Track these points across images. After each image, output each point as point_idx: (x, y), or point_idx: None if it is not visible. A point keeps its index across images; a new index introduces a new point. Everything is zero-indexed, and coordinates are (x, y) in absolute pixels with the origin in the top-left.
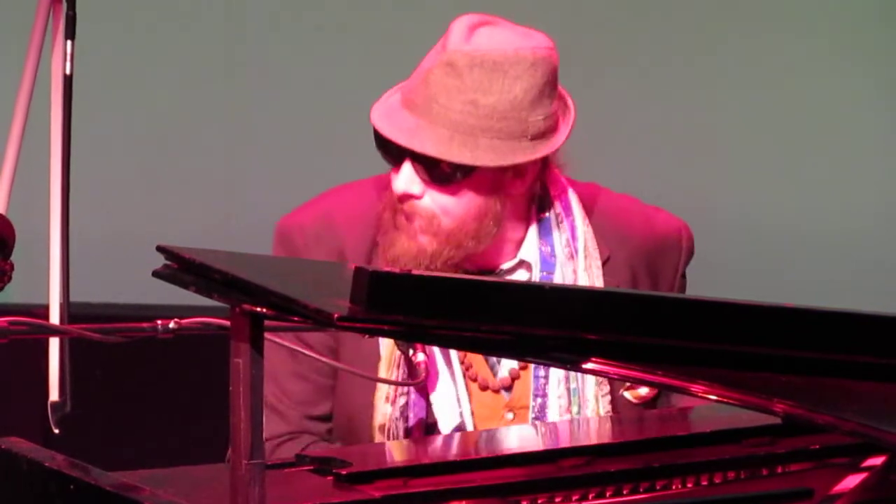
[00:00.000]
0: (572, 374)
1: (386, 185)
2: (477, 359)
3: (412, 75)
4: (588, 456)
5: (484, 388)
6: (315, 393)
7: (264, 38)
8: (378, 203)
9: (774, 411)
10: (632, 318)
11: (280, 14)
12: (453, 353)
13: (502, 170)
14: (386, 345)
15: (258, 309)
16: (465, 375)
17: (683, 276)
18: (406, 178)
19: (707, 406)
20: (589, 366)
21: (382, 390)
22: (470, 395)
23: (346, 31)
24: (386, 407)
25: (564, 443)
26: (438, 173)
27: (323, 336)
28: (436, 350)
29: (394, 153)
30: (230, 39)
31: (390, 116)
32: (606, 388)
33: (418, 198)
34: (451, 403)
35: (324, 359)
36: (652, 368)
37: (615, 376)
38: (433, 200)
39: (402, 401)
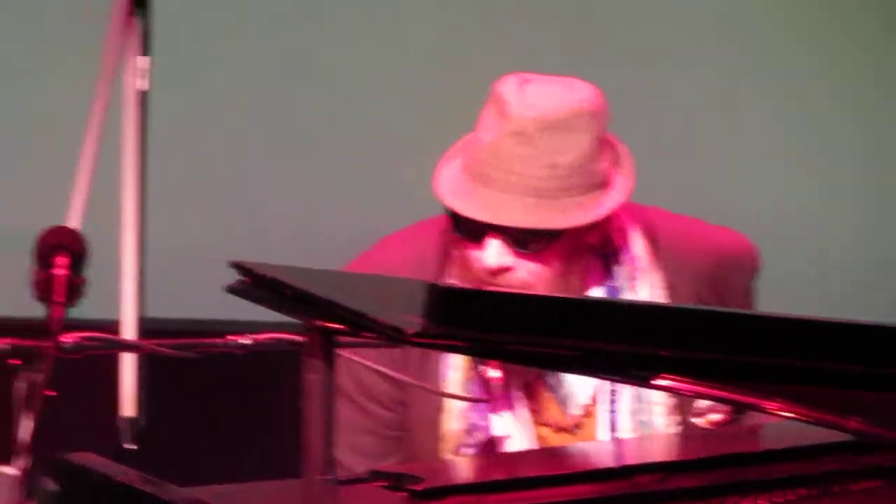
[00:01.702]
0: (642, 406)
1: (441, 235)
2: (546, 401)
3: (468, 144)
4: (662, 472)
5: (557, 429)
6: (384, 447)
7: (339, 49)
8: (436, 252)
9: (849, 429)
10: (704, 335)
11: (361, 19)
12: (518, 398)
13: (587, 227)
14: (457, 365)
15: (331, 325)
16: (533, 421)
17: (751, 292)
18: (496, 253)
19: (776, 423)
20: (660, 382)
21: (452, 409)
22: (536, 436)
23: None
24: (454, 424)
25: (638, 459)
26: (528, 242)
27: (388, 388)
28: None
29: (475, 229)
30: (306, 53)
31: (464, 194)
32: (677, 419)
33: (511, 270)
34: (519, 441)
35: (392, 373)
36: (725, 385)
37: (688, 393)
38: (525, 269)
39: (470, 418)
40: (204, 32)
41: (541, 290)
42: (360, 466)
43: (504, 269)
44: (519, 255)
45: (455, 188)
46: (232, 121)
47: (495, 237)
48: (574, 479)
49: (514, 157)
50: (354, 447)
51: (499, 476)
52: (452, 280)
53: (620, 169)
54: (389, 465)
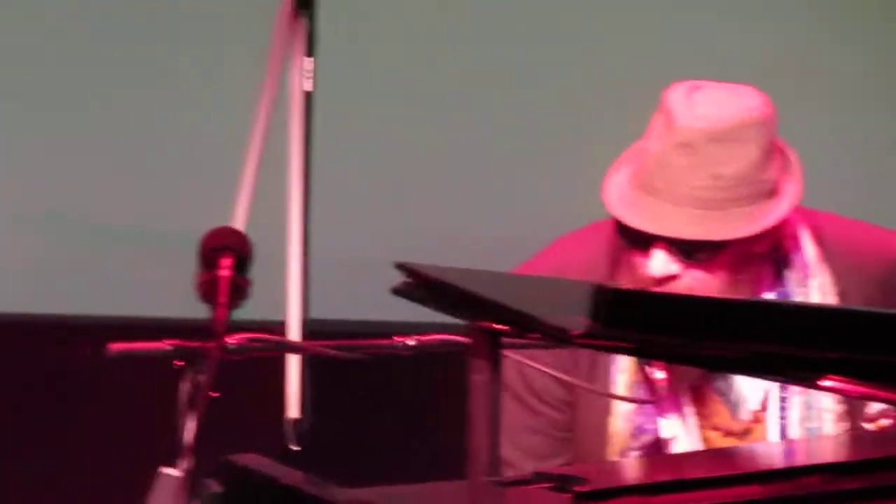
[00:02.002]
0: (811, 413)
1: (609, 240)
2: (716, 406)
3: (637, 153)
4: (828, 474)
5: (727, 433)
6: (551, 447)
7: (500, 51)
8: (604, 256)
9: None
10: (873, 337)
11: (516, 19)
12: (686, 402)
13: (755, 237)
14: (624, 368)
15: (496, 326)
16: (700, 422)
17: None
18: (662, 262)
19: None
20: (826, 383)
21: (620, 411)
22: (704, 442)
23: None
24: (621, 426)
25: (803, 461)
26: (694, 252)
27: (557, 388)
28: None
29: (642, 238)
30: (471, 52)
31: (631, 204)
32: (845, 425)
33: (677, 279)
34: (685, 443)
35: (560, 375)
36: (892, 387)
37: (855, 394)
38: (692, 278)
39: (637, 420)
40: (367, 32)
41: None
42: (525, 465)
43: (670, 278)
44: (685, 264)
45: (622, 197)
46: (395, 122)
47: (661, 247)
48: (740, 481)
49: (679, 168)
50: (521, 446)
51: (664, 477)
52: (621, 282)
53: (789, 176)
54: (554, 465)
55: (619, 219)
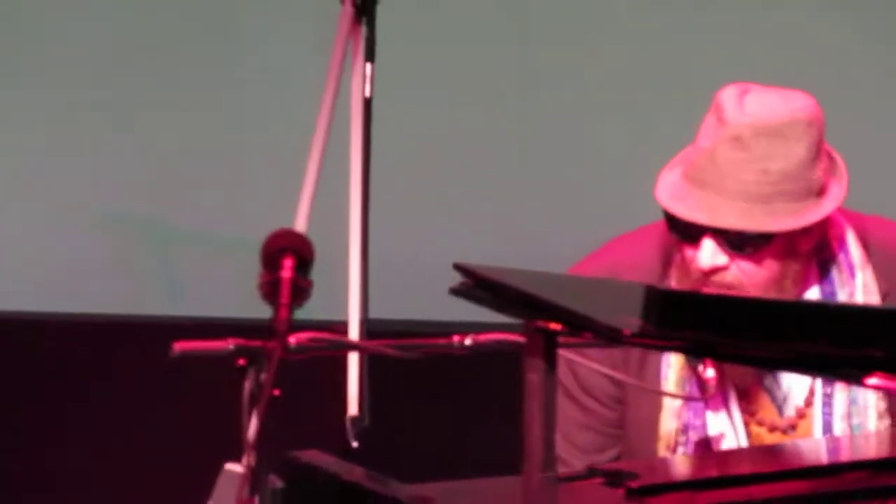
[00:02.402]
0: (855, 409)
1: (661, 239)
2: (761, 401)
3: (689, 152)
4: (870, 470)
5: (772, 429)
6: (602, 442)
7: (556, 51)
8: (656, 254)
9: None
10: None
11: (570, 22)
12: (733, 400)
13: (799, 230)
14: (675, 365)
15: (551, 325)
16: (745, 420)
17: None
18: (710, 253)
19: None
20: (872, 381)
21: (669, 408)
22: (750, 437)
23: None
24: (671, 423)
25: (846, 457)
26: (741, 244)
27: (607, 385)
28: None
29: (692, 231)
30: (524, 60)
31: (681, 197)
32: (887, 422)
33: (725, 269)
34: (732, 439)
35: (612, 372)
36: None
37: None
38: (739, 270)
39: (687, 417)
40: (424, 38)
41: (754, 290)
42: (576, 460)
43: (718, 269)
44: (733, 255)
45: (673, 192)
46: (452, 126)
47: (710, 238)
48: (786, 477)
49: (728, 162)
50: (572, 442)
51: (713, 473)
52: (672, 280)
53: (835, 178)
54: (605, 461)
55: (670, 211)
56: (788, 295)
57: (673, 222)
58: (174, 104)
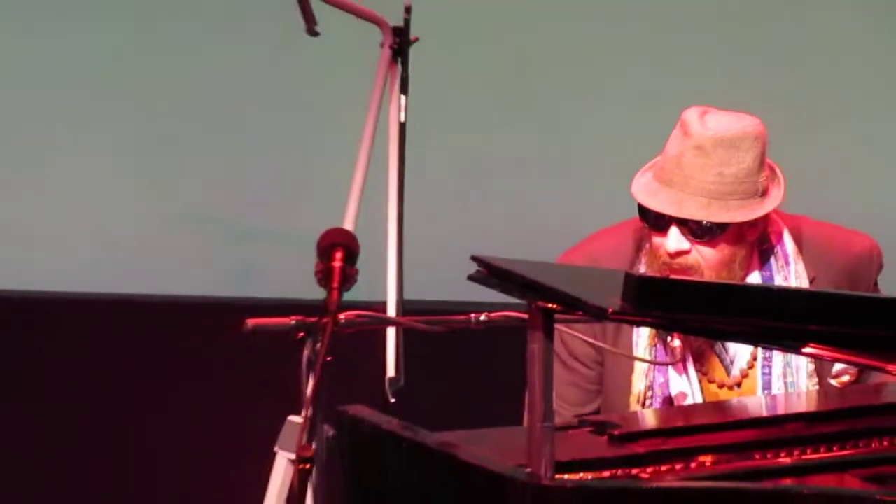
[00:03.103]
0: (789, 370)
1: (636, 231)
2: (713, 364)
3: (658, 159)
4: (806, 421)
5: (721, 386)
6: (585, 397)
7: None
8: (631, 244)
9: None
10: (840, 313)
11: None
12: (689, 362)
13: (747, 223)
14: (644, 335)
15: (550, 305)
16: (700, 378)
17: (876, 284)
18: (676, 240)
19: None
20: (808, 350)
21: (639, 370)
22: (703, 393)
23: None
24: (641, 382)
25: (786, 410)
26: (701, 232)
27: (589, 351)
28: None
29: (661, 221)
30: (528, 86)
31: (653, 194)
32: (815, 381)
33: (687, 253)
34: (692, 396)
35: (594, 341)
36: (856, 353)
37: (828, 359)
38: (699, 253)
39: (653, 377)
40: (446, 75)
41: (709, 270)
42: (564, 411)
43: (682, 252)
44: (693, 242)
45: (647, 190)
46: (468, 143)
47: (676, 227)
48: (736, 426)
49: (692, 166)
50: (562, 396)
51: (678, 423)
52: (642, 264)
53: (775, 184)
54: (588, 413)
55: (644, 205)
56: (736, 276)
57: (645, 215)
58: (254, 122)
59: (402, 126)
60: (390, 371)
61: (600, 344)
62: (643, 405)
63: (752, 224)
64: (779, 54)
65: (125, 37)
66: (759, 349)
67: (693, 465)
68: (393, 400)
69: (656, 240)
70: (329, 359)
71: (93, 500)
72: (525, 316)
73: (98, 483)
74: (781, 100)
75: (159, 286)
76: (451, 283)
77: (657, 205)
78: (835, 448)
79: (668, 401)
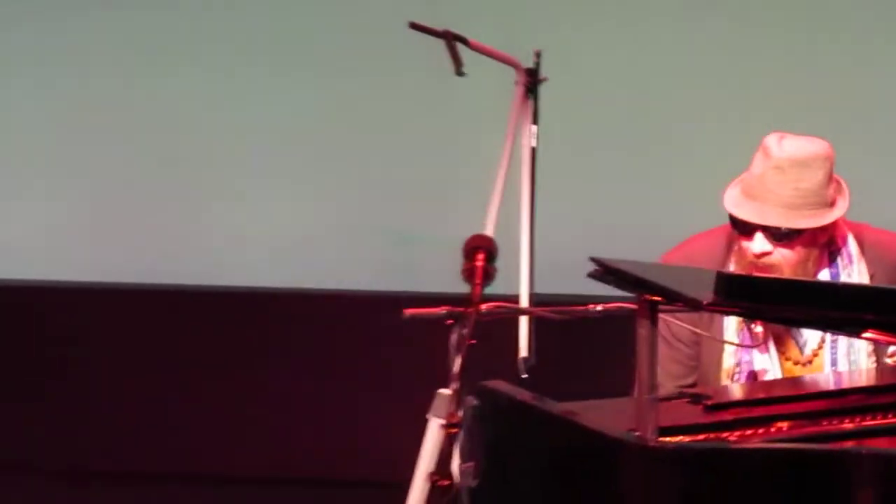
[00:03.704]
0: (852, 350)
1: (727, 235)
2: (789, 345)
3: (745, 176)
4: (865, 393)
5: (795, 363)
6: (684, 372)
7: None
8: (723, 245)
9: None
10: (893, 305)
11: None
12: (770, 343)
13: (818, 228)
14: (732, 321)
15: (654, 298)
16: (778, 357)
17: None
18: (760, 243)
19: None
20: (866, 335)
21: (729, 350)
22: (781, 369)
23: None
24: (730, 360)
25: (849, 384)
26: (780, 237)
27: (688, 334)
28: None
29: (748, 228)
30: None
31: (741, 206)
32: (873, 359)
33: (770, 254)
34: (772, 372)
35: (692, 328)
36: None
37: (883, 342)
38: (779, 254)
39: (740, 356)
40: (569, 108)
41: (787, 268)
42: (668, 383)
43: (765, 253)
44: (774, 244)
45: (736, 202)
46: (585, 163)
47: (760, 232)
48: (808, 398)
49: (773, 182)
50: (666, 370)
51: (760, 395)
52: (731, 262)
53: (841, 196)
54: (687, 385)
55: (734, 215)
56: (808, 273)
57: (735, 222)
58: (414, 149)
59: (533, 150)
60: (523, 352)
61: (696, 330)
62: (732, 379)
63: (822, 230)
64: None
65: (315, 91)
66: (827, 333)
67: (772, 429)
68: (525, 376)
69: (744, 243)
70: (472, 342)
71: (285, 456)
72: (634, 307)
73: (284, 444)
74: None
75: (334, 282)
76: (573, 279)
77: (745, 215)
78: (889, 416)
79: (753, 376)
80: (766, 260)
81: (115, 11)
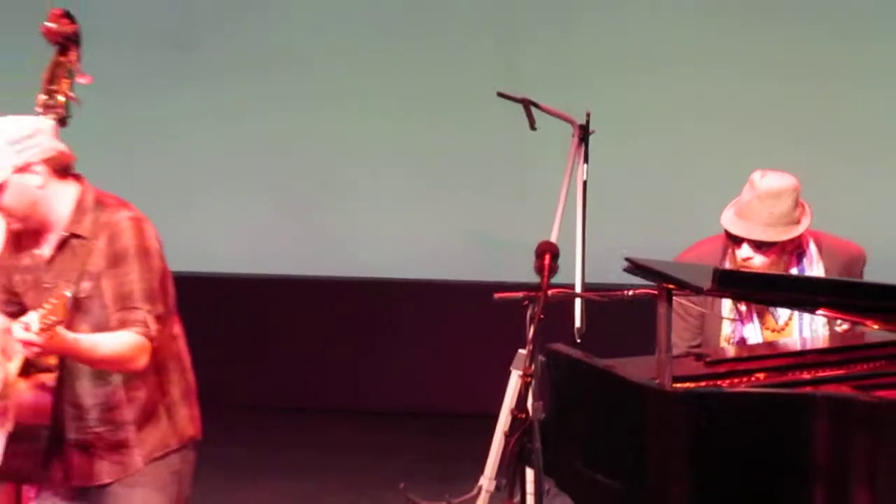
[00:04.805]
0: (812, 322)
1: (723, 242)
2: (767, 318)
3: (738, 200)
4: (819, 353)
5: (772, 331)
6: (692, 337)
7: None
8: (721, 249)
9: None
10: (841, 290)
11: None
12: (754, 316)
13: (787, 240)
14: (727, 302)
15: (669, 286)
16: (761, 326)
17: (861, 274)
18: (747, 250)
19: (871, 331)
20: (820, 312)
21: (726, 322)
22: (762, 336)
23: None
24: (727, 329)
25: (809, 347)
26: (761, 245)
27: (695, 310)
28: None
29: (738, 239)
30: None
31: (732, 224)
32: (827, 329)
33: (753, 258)
34: (755, 338)
35: (697, 307)
36: (849, 313)
37: (833, 317)
38: (759, 258)
39: (734, 326)
40: (615, 148)
41: (765, 269)
42: (681, 343)
43: (749, 258)
44: (756, 251)
45: (729, 220)
46: (627, 189)
47: (746, 243)
48: (780, 356)
49: (755, 208)
50: (679, 335)
51: (745, 354)
52: (727, 262)
53: (805, 215)
54: (694, 346)
55: (728, 230)
56: (781, 270)
57: (728, 234)
58: (503, 179)
59: (584, 182)
60: (577, 323)
61: (700, 308)
62: (728, 343)
63: (790, 241)
64: None
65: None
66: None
67: (753, 378)
68: (578, 341)
69: (736, 250)
70: (542, 317)
71: (412, 395)
72: (655, 292)
73: (412, 387)
74: None
75: (442, 274)
76: (613, 272)
77: (736, 231)
78: (836, 369)
79: (742, 341)
80: (749, 263)
81: None
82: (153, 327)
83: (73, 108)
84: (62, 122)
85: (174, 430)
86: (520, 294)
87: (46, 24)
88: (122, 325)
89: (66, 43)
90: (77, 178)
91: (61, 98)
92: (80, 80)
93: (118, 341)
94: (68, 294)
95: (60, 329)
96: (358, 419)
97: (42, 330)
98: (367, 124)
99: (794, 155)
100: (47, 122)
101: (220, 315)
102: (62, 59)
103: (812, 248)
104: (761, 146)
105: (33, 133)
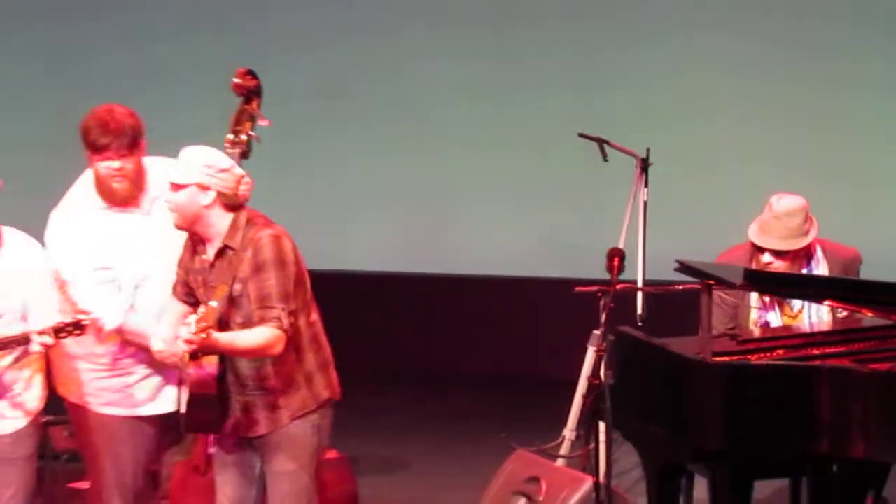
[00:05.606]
0: (820, 310)
1: (750, 248)
2: (785, 306)
3: (761, 217)
4: (826, 334)
5: (790, 317)
6: (728, 321)
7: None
8: (749, 253)
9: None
10: (841, 286)
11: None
12: (775, 305)
13: (799, 248)
14: (755, 294)
15: (709, 282)
16: (780, 313)
17: (858, 272)
18: (768, 257)
19: (870, 318)
20: (826, 302)
21: (753, 310)
22: (782, 320)
23: None
24: (755, 315)
25: (817, 329)
26: (778, 253)
27: (732, 300)
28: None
29: (761, 248)
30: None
31: (757, 236)
32: (831, 315)
33: (772, 263)
34: (776, 322)
35: (731, 298)
36: (849, 303)
37: (835, 307)
38: (778, 263)
39: (759, 313)
40: (668, 173)
41: (783, 270)
42: (719, 326)
43: (770, 263)
44: (775, 257)
45: (754, 233)
46: (679, 210)
47: (767, 251)
48: (794, 336)
49: (774, 225)
50: (717, 320)
51: (768, 335)
52: (753, 264)
53: (814, 227)
54: (730, 329)
55: (753, 241)
56: (795, 271)
57: (753, 244)
58: (583, 195)
59: (645, 203)
60: (639, 311)
61: (734, 299)
62: (755, 326)
63: (802, 249)
64: None
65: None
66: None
67: (774, 353)
68: (640, 324)
69: (760, 256)
70: (612, 305)
71: (507, 364)
72: (699, 287)
73: (506, 358)
74: None
75: (535, 272)
76: (668, 271)
77: (759, 242)
78: (839, 347)
79: (766, 324)
80: (770, 267)
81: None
82: (286, 322)
83: (254, 146)
84: (244, 155)
85: (312, 394)
86: (594, 288)
87: (234, 79)
88: (262, 320)
89: (250, 94)
90: (240, 208)
91: (244, 137)
92: (262, 122)
93: (254, 336)
94: (214, 305)
95: (211, 332)
96: (469, 383)
97: (197, 332)
98: (478, 158)
99: (803, 182)
100: (240, 171)
101: (358, 305)
102: (246, 106)
103: (818, 253)
104: (782, 176)
105: (226, 169)
